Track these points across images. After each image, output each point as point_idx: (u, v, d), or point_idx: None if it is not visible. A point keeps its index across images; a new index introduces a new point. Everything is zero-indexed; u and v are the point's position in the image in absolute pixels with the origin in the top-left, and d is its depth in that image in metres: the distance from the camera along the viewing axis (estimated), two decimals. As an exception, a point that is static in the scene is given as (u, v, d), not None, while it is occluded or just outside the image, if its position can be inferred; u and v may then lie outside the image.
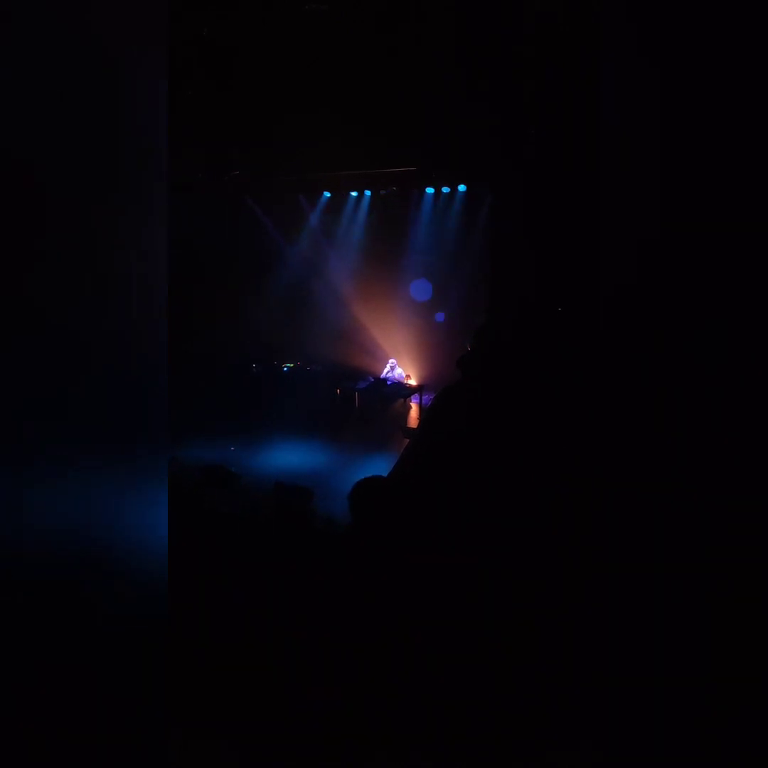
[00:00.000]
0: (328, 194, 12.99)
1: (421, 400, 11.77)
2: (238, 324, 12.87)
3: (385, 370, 12.46)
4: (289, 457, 9.53)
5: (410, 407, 11.97)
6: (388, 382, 12.16)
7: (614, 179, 1.90)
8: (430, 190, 12.14)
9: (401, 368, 12.55)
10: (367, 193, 12.71)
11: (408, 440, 7.99)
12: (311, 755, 2.21)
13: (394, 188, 12.20)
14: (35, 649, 1.63)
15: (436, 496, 3.69)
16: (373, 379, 12.28)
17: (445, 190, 11.99)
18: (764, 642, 1.70)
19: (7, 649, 1.58)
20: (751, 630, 1.71)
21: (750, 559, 1.70)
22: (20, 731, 1.59)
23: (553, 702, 2.24)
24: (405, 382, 12.29)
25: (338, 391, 12.22)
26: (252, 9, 6.93)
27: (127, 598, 1.79)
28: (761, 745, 1.73)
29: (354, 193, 12.82)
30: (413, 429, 10.41)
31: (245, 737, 2.25)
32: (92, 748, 1.71)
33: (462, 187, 11.83)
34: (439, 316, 12.38)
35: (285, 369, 13.07)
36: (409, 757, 2.20)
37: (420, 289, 12.51)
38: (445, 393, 5.17)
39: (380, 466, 6.84)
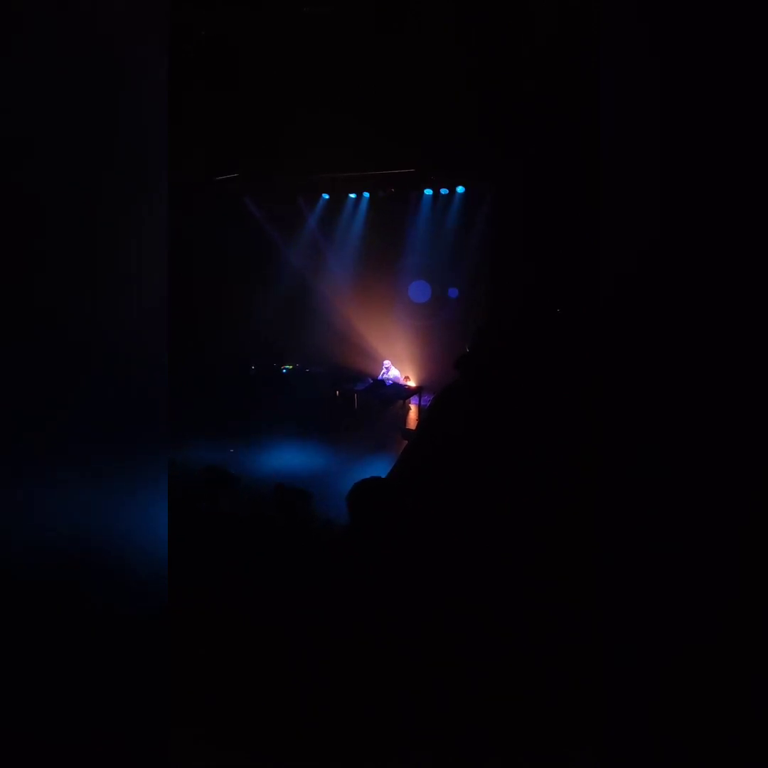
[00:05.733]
0: (326, 196, 13.00)
1: (420, 401, 11.77)
2: (237, 325, 12.87)
3: (381, 372, 12.46)
4: (289, 458, 9.53)
5: (409, 409, 11.97)
6: (387, 383, 12.16)
7: (614, 179, 1.91)
8: (428, 191, 12.15)
9: (399, 370, 12.54)
10: (366, 195, 12.72)
11: (407, 441, 7.99)
12: (311, 755, 2.21)
13: (393, 190, 12.20)
14: (35, 650, 1.63)
15: (435, 498, 3.69)
16: (372, 381, 12.27)
17: (444, 191, 12.00)
18: (765, 641, 1.70)
19: (6, 651, 1.58)
20: (752, 630, 1.71)
21: (751, 556, 1.70)
22: (21, 732, 1.59)
23: (553, 704, 2.23)
24: (404, 383, 12.29)
25: (337, 392, 12.21)
26: (250, 10, 6.93)
27: (127, 599, 1.79)
28: (761, 747, 1.73)
29: (352, 195, 12.84)
30: (412, 430, 10.41)
31: (245, 737, 2.24)
32: (93, 750, 1.71)
33: (460, 189, 11.84)
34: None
35: (284, 370, 13.07)
36: (409, 757, 2.19)
37: (419, 291, 12.51)
38: (444, 394, 5.16)
39: (379, 468, 6.84)
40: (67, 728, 1.67)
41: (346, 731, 2.25)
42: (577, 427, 3.31)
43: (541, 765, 2.13)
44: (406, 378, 12.49)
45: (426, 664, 2.39)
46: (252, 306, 12.96)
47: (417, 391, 11.95)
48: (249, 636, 2.53)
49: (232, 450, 9.76)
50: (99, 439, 1.75)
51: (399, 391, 11.98)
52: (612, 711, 1.89)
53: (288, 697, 2.36)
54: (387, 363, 12.51)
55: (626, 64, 1.86)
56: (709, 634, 1.77)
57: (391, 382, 12.23)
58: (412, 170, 11.18)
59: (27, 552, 1.62)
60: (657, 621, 1.83)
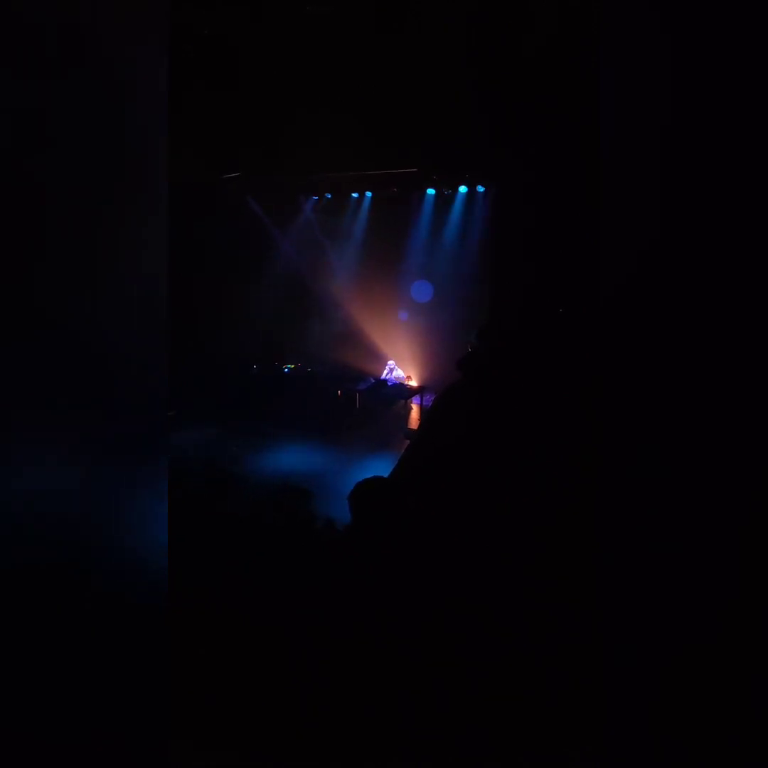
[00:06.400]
0: (329, 195, 13.00)
1: (421, 401, 11.77)
2: (238, 325, 12.88)
3: (385, 372, 12.47)
4: (290, 458, 9.53)
5: (411, 408, 11.97)
6: (389, 383, 12.16)
7: (614, 179, 1.90)
8: (431, 191, 12.15)
9: (401, 369, 12.55)
10: (369, 194, 12.73)
11: (409, 441, 7.98)
12: (311, 755, 2.21)
13: (395, 190, 12.20)
14: (34, 651, 1.63)
15: (437, 497, 3.69)
16: (373, 380, 12.27)
17: (446, 191, 11.99)
18: (765, 641, 1.70)
19: (5, 652, 1.58)
20: (752, 630, 1.71)
21: (751, 556, 1.70)
22: (20, 733, 1.59)
23: (553, 704, 2.23)
24: (406, 383, 12.29)
25: (339, 392, 12.21)
26: (250, 10, 6.93)
27: (127, 598, 1.79)
28: (761, 747, 1.73)
29: (355, 195, 12.84)
30: (414, 430, 10.40)
31: (245, 737, 2.24)
32: (93, 750, 1.71)
33: (463, 189, 11.84)
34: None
35: (286, 370, 13.06)
36: (409, 757, 2.19)
37: (421, 290, 12.51)
38: (445, 394, 5.16)
39: (381, 468, 6.84)
40: (66, 729, 1.67)
41: (346, 731, 2.24)
42: (577, 427, 3.30)
43: (541, 765, 2.13)
44: (408, 378, 12.49)
45: (426, 664, 2.39)
46: (253, 305, 12.97)
47: (419, 390, 11.95)
48: (249, 636, 2.53)
49: (235, 448, 9.76)
50: (99, 439, 1.75)
51: (401, 391, 11.97)
52: (612, 711, 1.89)
53: (288, 697, 2.36)
54: (391, 363, 12.52)
55: (626, 64, 1.86)
56: (709, 634, 1.77)
57: (393, 381, 12.24)
58: (413, 170, 11.16)
59: (26, 552, 1.62)
60: (657, 621, 1.83)
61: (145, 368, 1.85)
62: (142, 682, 1.79)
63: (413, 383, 12.34)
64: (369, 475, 3.35)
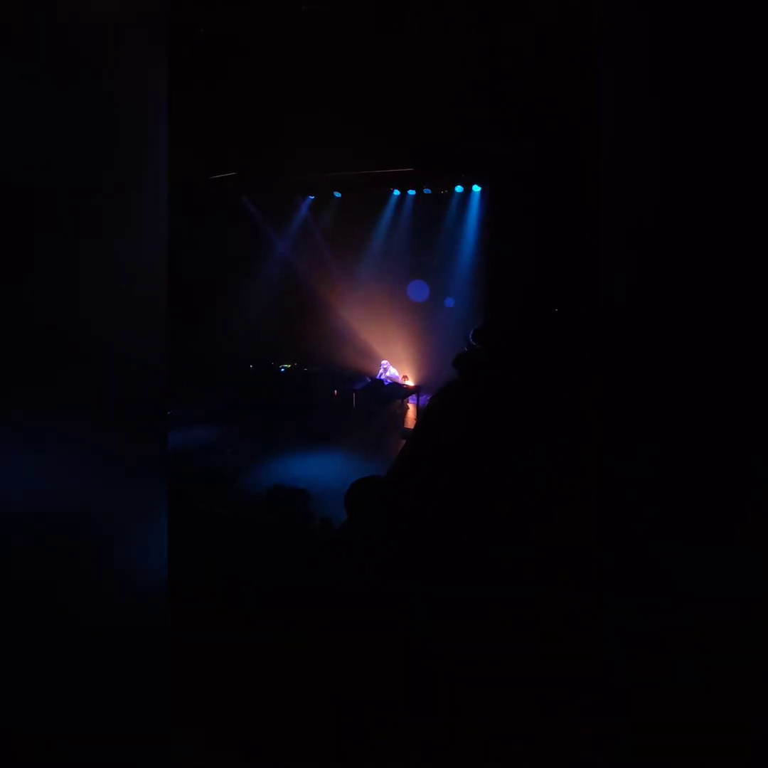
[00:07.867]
0: (326, 195, 13.00)
1: (418, 400, 11.78)
2: (235, 325, 12.87)
3: (379, 372, 12.46)
4: (287, 458, 9.53)
5: (407, 408, 11.98)
6: (386, 383, 12.16)
7: (614, 179, 1.91)
8: (427, 190, 12.16)
9: (397, 369, 12.54)
10: (366, 193, 12.72)
11: (405, 441, 7.98)
12: (312, 755, 2.21)
13: (393, 188, 12.22)
14: (34, 650, 1.63)
15: (434, 497, 3.69)
16: (370, 380, 12.27)
17: (443, 190, 12.00)
18: (765, 640, 1.70)
19: (4, 651, 1.58)
20: (752, 630, 1.72)
21: (750, 556, 1.71)
22: (20, 734, 1.59)
23: (554, 704, 2.24)
24: (402, 382, 12.29)
25: (335, 392, 12.21)
26: (250, 10, 6.93)
27: (127, 599, 1.79)
28: (761, 747, 1.73)
29: (352, 194, 12.83)
30: (410, 430, 10.41)
31: (245, 737, 2.24)
32: (94, 750, 1.71)
33: (459, 188, 11.85)
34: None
35: (282, 370, 13.05)
36: (409, 757, 2.19)
37: (417, 290, 12.51)
38: (442, 393, 5.16)
39: (377, 468, 6.84)
40: (67, 729, 1.67)
41: (346, 731, 2.25)
42: (577, 427, 3.31)
43: (541, 765, 2.14)
44: (404, 377, 12.49)
45: (425, 663, 2.39)
46: (250, 305, 12.97)
47: (415, 390, 11.95)
48: (249, 636, 2.53)
49: (230, 450, 9.75)
50: (98, 439, 1.75)
51: (397, 391, 11.98)
52: (612, 710, 1.89)
53: (288, 697, 2.36)
54: (385, 363, 12.52)
55: (626, 63, 1.86)
56: (709, 634, 1.78)
57: (389, 381, 12.24)
58: (410, 169, 11.18)
59: (26, 552, 1.62)
60: (657, 620, 1.83)
61: (145, 368, 1.84)
62: (142, 682, 1.79)
63: (410, 383, 12.35)
64: (365, 475, 3.35)
